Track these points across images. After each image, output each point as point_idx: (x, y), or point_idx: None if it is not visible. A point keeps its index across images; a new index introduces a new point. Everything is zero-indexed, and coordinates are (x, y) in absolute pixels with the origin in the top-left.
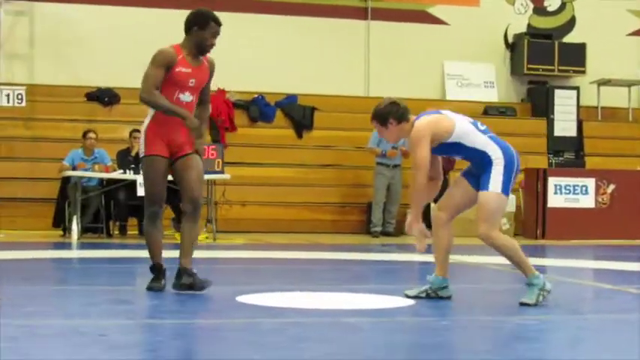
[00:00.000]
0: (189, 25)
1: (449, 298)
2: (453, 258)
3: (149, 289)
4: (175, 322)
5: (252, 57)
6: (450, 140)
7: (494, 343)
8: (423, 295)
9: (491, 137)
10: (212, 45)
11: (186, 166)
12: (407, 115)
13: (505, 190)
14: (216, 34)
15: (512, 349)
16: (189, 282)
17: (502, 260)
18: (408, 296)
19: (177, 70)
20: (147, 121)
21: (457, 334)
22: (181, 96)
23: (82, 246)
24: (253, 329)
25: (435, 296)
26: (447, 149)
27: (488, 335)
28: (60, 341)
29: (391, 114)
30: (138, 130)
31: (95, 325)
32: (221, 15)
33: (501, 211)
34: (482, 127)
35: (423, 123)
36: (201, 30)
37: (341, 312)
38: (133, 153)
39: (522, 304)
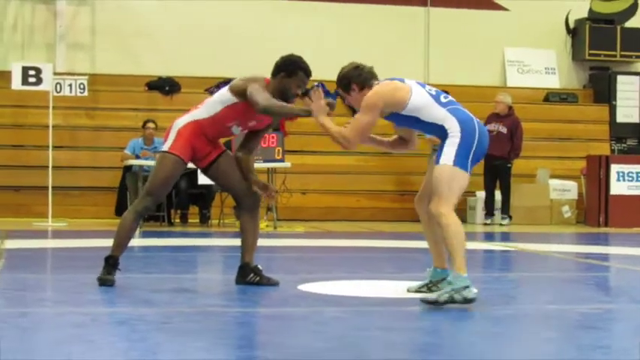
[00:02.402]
0: (277, 69)
1: None
2: (515, 246)
3: (102, 282)
4: (238, 311)
5: (312, 44)
6: (405, 113)
7: (558, 332)
8: (424, 290)
9: (451, 110)
10: (296, 95)
11: (227, 165)
12: (370, 81)
13: (460, 162)
14: (302, 84)
15: (576, 338)
16: (255, 280)
17: (566, 249)
18: (410, 291)
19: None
20: (187, 119)
21: (521, 323)
22: (234, 128)
23: (144, 234)
24: (316, 318)
25: (437, 289)
26: (403, 121)
27: (552, 324)
28: (124, 329)
29: (353, 79)
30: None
31: (159, 313)
32: (281, 3)
33: (456, 185)
34: (445, 100)
35: (377, 91)
36: (287, 78)
37: (403, 300)
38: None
39: (422, 301)
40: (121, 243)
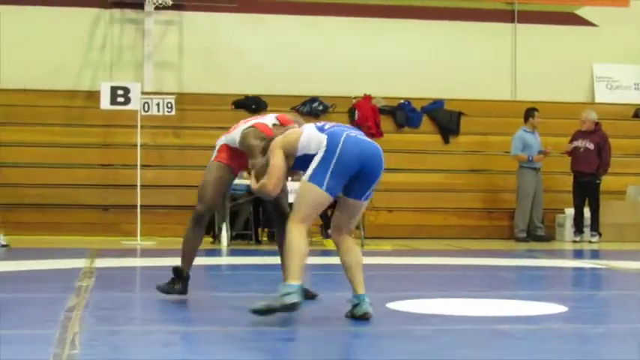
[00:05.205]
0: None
1: (364, 316)
2: (605, 264)
3: (162, 291)
4: (327, 329)
5: (398, 62)
6: (299, 153)
7: None
8: (349, 315)
9: (328, 131)
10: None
11: None
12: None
13: (315, 179)
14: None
15: None
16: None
17: None
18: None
19: None
20: (222, 141)
21: (611, 342)
22: None
23: (232, 253)
24: (405, 336)
25: (351, 316)
26: (301, 164)
27: None
28: (213, 347)
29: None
30: None
31: (247, 332)
32: (368, 21)
33: (305, 201)
34: (328, 127)
35: (278, 138)
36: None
37: (492, 319)
38: None
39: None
40: (185, 254)
